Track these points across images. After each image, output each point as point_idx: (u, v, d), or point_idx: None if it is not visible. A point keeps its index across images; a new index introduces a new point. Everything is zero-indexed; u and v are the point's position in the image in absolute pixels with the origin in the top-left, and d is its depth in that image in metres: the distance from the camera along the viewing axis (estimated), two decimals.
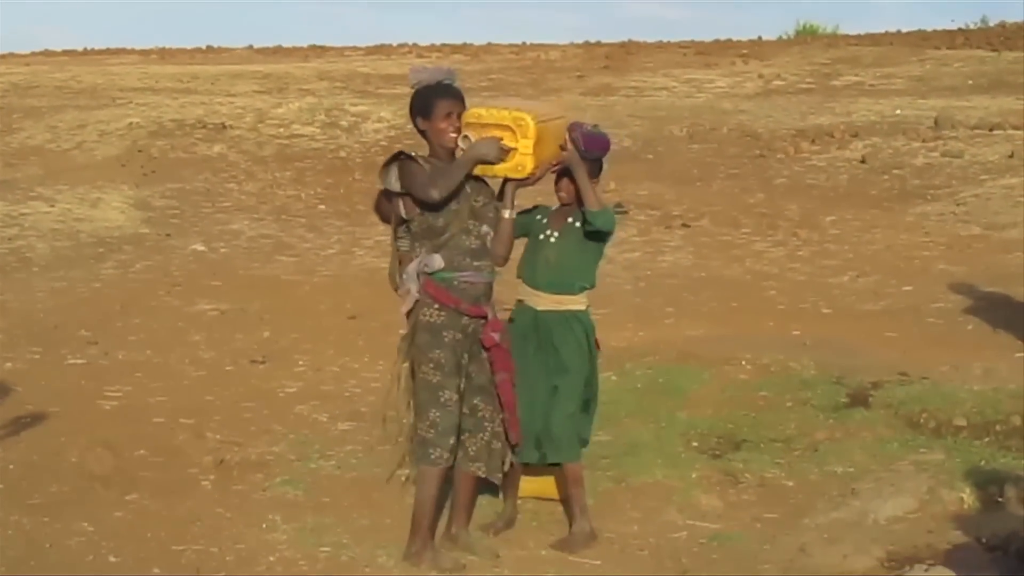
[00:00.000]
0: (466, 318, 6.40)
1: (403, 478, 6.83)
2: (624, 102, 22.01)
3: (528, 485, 7.10)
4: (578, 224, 6.75)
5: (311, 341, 10.74)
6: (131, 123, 20.00)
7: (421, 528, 6.42)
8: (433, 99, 6.45)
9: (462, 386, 6.42)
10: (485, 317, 6.45)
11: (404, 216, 6.41)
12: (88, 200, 16.24)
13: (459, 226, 6.39)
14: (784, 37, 30.74)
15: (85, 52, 31.30)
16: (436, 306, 6.36)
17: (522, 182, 6.52)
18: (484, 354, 6.49)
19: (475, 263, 6.43)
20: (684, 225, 15.02)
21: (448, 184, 6.30)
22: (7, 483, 7.46)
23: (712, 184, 17.04)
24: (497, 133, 6.38)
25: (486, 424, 6.50)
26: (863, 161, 17.30)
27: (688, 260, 13.69)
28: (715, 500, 7.41)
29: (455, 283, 6.37)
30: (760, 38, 29.69)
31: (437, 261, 6.35)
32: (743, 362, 9.49)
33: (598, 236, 6.77)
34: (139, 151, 18.86)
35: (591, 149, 6.74)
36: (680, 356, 9.71)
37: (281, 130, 20.04)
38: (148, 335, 10.89)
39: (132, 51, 31.14)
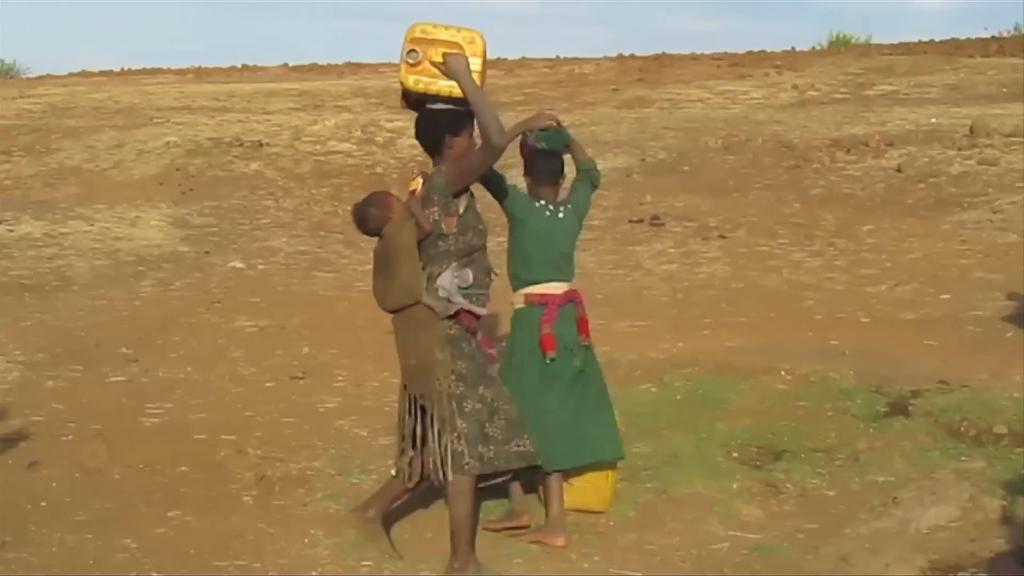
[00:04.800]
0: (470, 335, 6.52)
1: (392, 472, 6.80)
2: (658, 114, 22.00)
3: (569, 497, 7.10)
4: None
5: (350, 356, 10.77)
6: (168, 142, 20.12)
7: (462, 543, 6.42)
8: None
9: (487, 395, 6.47)
10: (476, 334, 6.56)
11: (444, 231, 6.42)
12: (127, 219, 16.34)
13: (484, 245, 6.57)
14: (817, 47, 30.62)
15: (122, 72, 31.52)
16: (451, 320, 6.43)
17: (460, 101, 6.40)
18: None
19: (488, 281, 6.59)
20: (721, 236, 14.99)
21: (500, 127, 6.27)
22: (50, 500, 7.52)
23: (748, 195, 16.99)
24: (444, 50, 6.34)
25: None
26: (899, 170, 17.23)
27: (725, 271, 13.67)
28: (756, 511, 7.40)
29: (474, 299, 6.47)
30: (793, 49, 29.60)
31: (470, 276, 6.44)
32: (782, 372, 9.47)
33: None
34: (177, 169, 18.98)
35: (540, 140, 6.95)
36: (719, 367, 9.70)
37: (317, 147, 20.12)
38: (188, 352, 10.95)
39: (168, 71, 31.34)
